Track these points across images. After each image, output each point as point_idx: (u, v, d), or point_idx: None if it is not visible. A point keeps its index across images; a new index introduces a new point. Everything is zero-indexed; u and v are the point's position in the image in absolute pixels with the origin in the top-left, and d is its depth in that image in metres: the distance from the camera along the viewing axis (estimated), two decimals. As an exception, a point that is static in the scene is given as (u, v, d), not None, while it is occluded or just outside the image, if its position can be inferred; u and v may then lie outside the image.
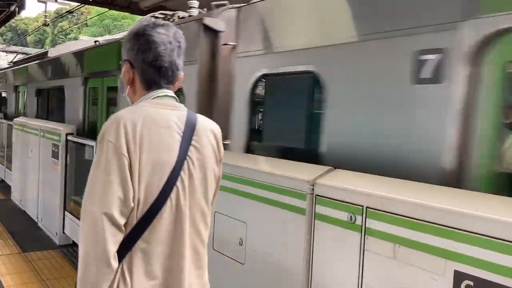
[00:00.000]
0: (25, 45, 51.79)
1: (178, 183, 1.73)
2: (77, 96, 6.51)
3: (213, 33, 3.51)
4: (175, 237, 1.75)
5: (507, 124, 1.99)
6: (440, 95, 2.08)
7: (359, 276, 1.97)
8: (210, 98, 3.60)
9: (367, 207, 1.94)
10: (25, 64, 9.98)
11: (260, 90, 3.41)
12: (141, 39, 1.80)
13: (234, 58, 3.47)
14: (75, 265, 5.55)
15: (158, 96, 1.82)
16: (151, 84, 1.83)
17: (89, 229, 1.61)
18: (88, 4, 11.84)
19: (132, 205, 1.63)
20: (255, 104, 3.39)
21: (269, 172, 2.50)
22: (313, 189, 2.21)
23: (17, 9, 12.45)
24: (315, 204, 2.20)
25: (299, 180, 2.29)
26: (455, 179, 2.00)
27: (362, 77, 2.46)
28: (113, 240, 1.60)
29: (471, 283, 1.56)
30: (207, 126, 1.88)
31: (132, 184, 1.63)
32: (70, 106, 6.81)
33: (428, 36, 2.13)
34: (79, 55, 6.73)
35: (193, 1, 4.29)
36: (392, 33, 2.30)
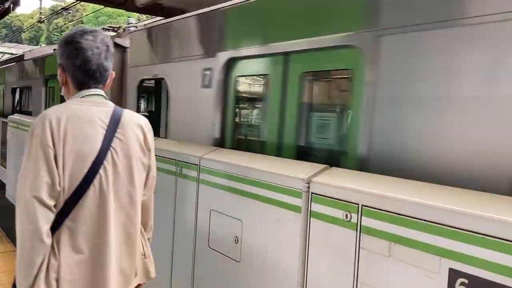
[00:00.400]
0: (20, 42, 51.55)
1: (101, 170, 1.98)
2: (39, 94, 7.90)
3: (122, 49, 5.11)
4: (100, 218, 2.00)
5: (238, 110, 3.68)
6: (211, 94, 3.60)
7: (354, 274, 1.97)
8: (121, 94, 5.11)
9: (362, 205, 1.94)
10: (3, 66, 11.89)
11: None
12: (70, 46, 2.05)
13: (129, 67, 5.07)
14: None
15: (86, 95, 2.08)
16: (81, 85, 2.09)
17: (23, 210, 1.85)
18: (84, 1, 11.78)
19: (59, 189, 1.90)
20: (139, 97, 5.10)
21: (265, 170, 2.50)
22: (308, 187, 2.21)
23: (11, 5, 12.36)
24: (310, 202, 2.20)
25: (294, 178, 2.29)
26: (219, 144, 3.51)
27: (185, 84, 4.03)
28: (45, 219, 1.85)
29: (466, 281, 1.57)
30: (133, 120, 2.12)
31: (58, 172, 1.90)
32: (36, 102, 8.17)
33: (206, 60, 3.69)
34: (41, 60, 8.18)
35: (131, 19, 6.18)
36: (193, 58, 3.91)
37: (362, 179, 2.12)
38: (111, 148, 2.01)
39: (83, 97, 2.08)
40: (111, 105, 2.11)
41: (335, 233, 2.06)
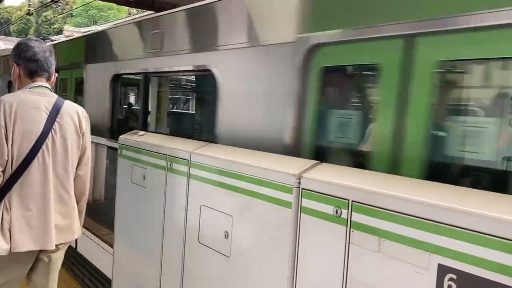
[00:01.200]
0: (8, 34, 50.84)
1: (44, 146, 2.61)
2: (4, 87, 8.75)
3: None
4: (42, 183, 2.62)
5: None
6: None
7: (344, 270, 1.98)
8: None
9: (352, 201, 1.95)
10: None
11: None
12: (22, 46, 2.75)
13: None
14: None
15: (34, 86, 2.70)
16: (32, 73, 2.73)
17: None
18: (73, -6, 11.65)
19: (7, 159, 2.52)
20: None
21: (256, 165, 2.50)
22: (299, 183, 2.21)
23: (0, -3, 12.21)
24: (301, 197, 2.20)
25: (285, 174, 2.29)
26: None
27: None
28: None
29: (454, 276, 1.58)
30: (71, 109, 2.76)
31: (7, 146, 2.51)
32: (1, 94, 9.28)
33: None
34: (4, 57, 8.84)
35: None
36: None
37: (352, 175, 2.13)
38: (52, 130, 2.63)
39: (31, 88, 2.68)
40: (54, 96, 2.73)
41: (325, 228, 2.07)
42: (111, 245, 4.17)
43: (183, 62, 3.67)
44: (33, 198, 2.60)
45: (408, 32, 2.13)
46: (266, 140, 2.84)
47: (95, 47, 5.32)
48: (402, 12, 2.16)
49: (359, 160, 2.48)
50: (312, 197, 2.14)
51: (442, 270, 1.62)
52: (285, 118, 2.70)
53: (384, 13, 2.23)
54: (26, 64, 2.71)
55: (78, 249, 5.30)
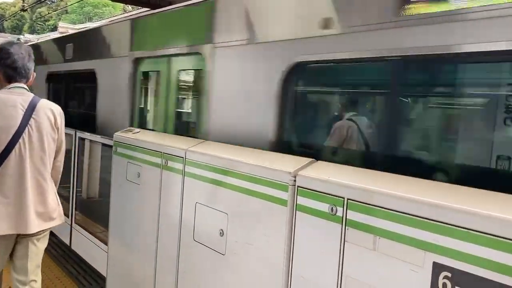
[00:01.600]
0: (2, 30, 50.53)
1: (20, 140, 2.89)
2: None
3: None
4: (20, 173, 2.90)
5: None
6: None
7: (339, 267, 1.98)
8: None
9: (348, 199, 1.95)
10: None
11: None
12: (2, 52, 3.02)
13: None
14: (52, 255, 5.47)
15: (12, 87, 3.00)
16: (10, 78, 3.02)
17: None
18: (68, -10, 11.58)
19: None
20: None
21: (251, 163, 2.49)
22: (295, 181, 2.21)
23: (-7, -7, 12.11)
24: (296, 195, 2.20)
25: (281, 172, 2.29)
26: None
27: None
28: None
29: (449, 274, 1.58)
30: (46, 106, 3.04)
31: None
32: None
33: None
34: None
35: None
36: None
37: (348, 173, 2.13)
38: (28, 125, 2.92)
39: (9, 88, 2.99)
40: (30, 95, 3.03)
41: (320, 226, 2.07)
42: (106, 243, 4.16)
43: (81, 66, 5.62)
44: (11, 187, 2.87)
45: (167, 54, 3.91)
46: (109, 121, 4.78)
47: (40, 53, 7.05)
48: (163, 43, 3.97)
49: (149, 126, 4.33)
50: (307, 195, 2.14)
51: (437, 268, 1.62)
52: (125, 104, 4.48)
53: (158, 42, 4.09)
54: (6, 70, 3.00)
55: (72, 247, 5.28)
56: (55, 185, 3.23)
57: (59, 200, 3.19)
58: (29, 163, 2.91)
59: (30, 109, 2.94)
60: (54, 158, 3.14)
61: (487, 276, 1.48)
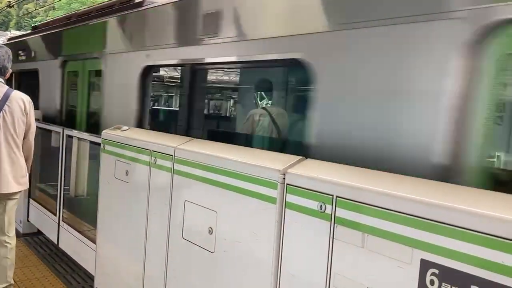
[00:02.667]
0: (-12, 27, 49.77)
1: None
2: None
3: None
4: None
5: None
6: None
7: (328, 265, 1.99)
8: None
9: (337, 197, 1.96)
10: None
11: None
12: None
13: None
14: (40, 254, 5.42)
15: None
16: None
17: None
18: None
19: None
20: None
21: (240, 160, 2.49)
22: (284, 178, 2.21)
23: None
24: (285, 193, 2.20)
25: (270, 169, 2.29)
26: None
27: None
28: None
29: (437, 271, 1.60)
30: (18, 96, 3.94)
31: None
32: None
33: None
34: None
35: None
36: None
37: (337, 170, 2.14)
38: (2, 110, 3.82)
39: None
40: (5, 87, 3.93)
41: (309, 224, 2.07)
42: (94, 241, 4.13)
43: (30, 66, 7.06)
44: None
45: (80, 57, 5.48)
46: (51, 110, 6.16)
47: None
48: (78, 50, 5.59)
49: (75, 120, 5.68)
50: (296, 192, 2.15)
51: (425, 265, 1.63)
52: (57, 99, 6.03)
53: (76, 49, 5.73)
54: None
55: (60, 245, 5.24)
56: (28, 160, 4.12)
57: (27, 171, 4.09)
58: (3, 140, 3.84)
59: (5, 98, 3.85)
60: (25, 138, 4.03)
61: (473, 272, 1.50)
